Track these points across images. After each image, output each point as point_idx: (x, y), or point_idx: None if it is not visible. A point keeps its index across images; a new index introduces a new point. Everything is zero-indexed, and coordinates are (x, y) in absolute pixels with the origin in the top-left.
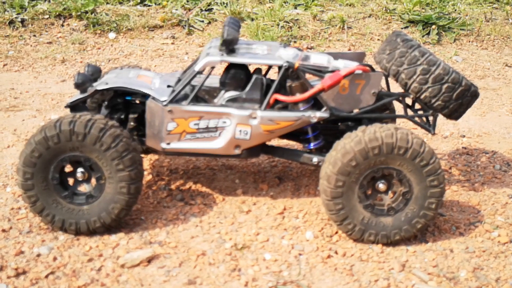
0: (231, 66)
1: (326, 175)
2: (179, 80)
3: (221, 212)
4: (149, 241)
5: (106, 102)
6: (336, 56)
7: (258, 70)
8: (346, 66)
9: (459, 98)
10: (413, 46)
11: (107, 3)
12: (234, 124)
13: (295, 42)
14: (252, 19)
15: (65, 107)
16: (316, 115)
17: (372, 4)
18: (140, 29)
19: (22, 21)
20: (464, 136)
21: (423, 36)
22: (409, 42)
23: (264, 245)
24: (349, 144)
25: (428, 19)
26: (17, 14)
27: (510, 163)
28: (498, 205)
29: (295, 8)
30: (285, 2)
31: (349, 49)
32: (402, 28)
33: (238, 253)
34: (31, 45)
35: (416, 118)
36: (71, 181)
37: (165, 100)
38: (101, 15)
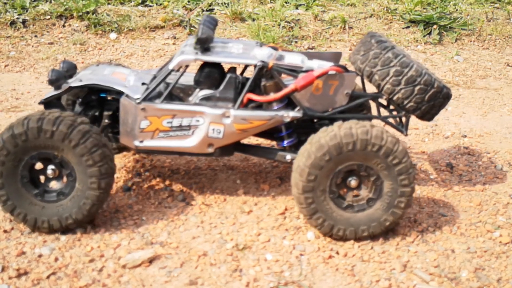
0: (205, 65)
1: (299, 168)
2: (154, 77)
3: (222, 212)
4: (151, 241)
5: (80, 99)
6: (313, 56)
7: (232, 69)
8: (320, 66)
9: (431, 100)
10: (387, 47)
11: (108, 3)
12: (207, 123)
13: (296, 42)
14: (253, 19)
15: (39, 103)
16: (289, 115)
17: (373, 4)
18: (141, 30)
19: (24, 21)
20: (465, 136)
21: (424, 36)
22: (383, 43)
23: (266, 246)
24: (324, 138)
25: (429, 19)
26: (19, 14)
27: (511, 163)
28: (500, 205)
29: (296, 8)
30: (286, 2)
31: (350, 49)
32: (403, 28)
33: (240, 253)
34: (32, 46)
35: (391, 119)
36: (42, 178)
37: (138, 98)
38: (102, 16)
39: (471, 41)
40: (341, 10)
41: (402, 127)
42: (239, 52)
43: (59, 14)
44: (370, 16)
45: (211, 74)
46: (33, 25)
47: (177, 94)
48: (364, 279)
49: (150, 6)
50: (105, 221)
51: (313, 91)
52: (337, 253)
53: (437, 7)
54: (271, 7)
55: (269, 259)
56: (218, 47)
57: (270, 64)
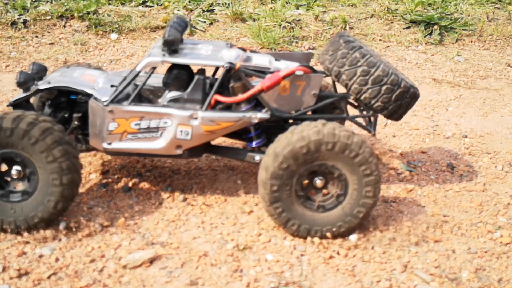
0: (173, 67)
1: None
2: (124, 79)
3: (223, 213)
4: (151, 242)
5: (49, 101)
6: (284, 56)
7: (201, 71)
8: (287, 67)
9: (398, 100)
10: (354, 47)
11: (109, 4)
12: (175, 125)
13: (297, 42)
14: (254, 20)
15: (8, 105)
16: (257, 116)
17: (374, 4)
18: (142, 30)
19: (24, 22)
20: (466, 137)
21: (425, 37)
22: (351, 43)
23: (266, 246)
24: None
25: (430, 19)
26: (19, 15)
27: None
28: (500, 206)
29: (297, 8)
30: (287, 3)
31: None
32: (404, 29)
33: (240, 253)
34: (33, 46)
35: (362, 119)
36: (6, 179)
37: (106, 100)
38: (103, 16)
39: (472, 42)
40: (342, 11)
41: (371, 127)
42: (207, 53)
43: (60, 14)
44: (371, 17)
45: (179, 76)
46: (34, 26)
47: (147, 96)
48: (365, 279)
49: (151, 6)
50: (105, 221)
51: (281, 92)
52: (338, 253)
53: (438, 8)
54: (271, 8)
55: (269, 260)
56: (187, 48)
57: (237, 66)
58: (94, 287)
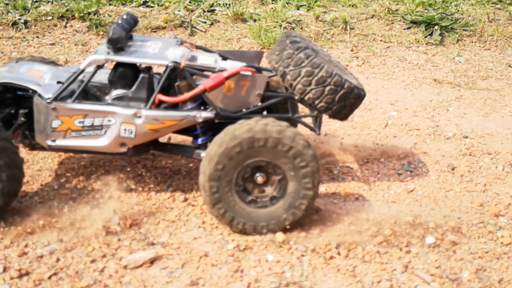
0: (119, 65)
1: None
2: (72, 76)
3: None
4: (152, 242)
5: None
6: (235, 54)
7: (147, 69)
8: (233, 66)
9: (342, 100)
10: (299, 48)
11: (110, 4)
12: (119, 123)
13: None
14: (255, 20)
15: None
16: (202, 115)
17: (374, 4)
18: (143, 30)
19: (25, 22)
20: (467, 137)
21: (425, 37)
22: (297, 44)
23: (267, 246)
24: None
25: (430, 20)
26: (20, 15)
27: None
28: (501, 206)
29: (298, 9)
30: (287, 3)
31: (352, 50)
32: (404, 29)
33: (241, 254)
34: (34, 47)
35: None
36: None
37: (49, 98)
38: (104, 16)
39: (472, 42)
40: (343, 11)
41: (316, 127)
42: (154, 52)
43: (60, 15)
44: (372, 17)
45: (124, 74)
46: (35, 26)
47: (94, 93)
48: (365, 280)
49: (152, 7)
50: (106, 221)
51: (225, 91)
52: (339, 253)
53: (438, 8)
54: (272, 8)
55: (270, 260)
56: (135, 46)
57: (181, 65)
58: (94, 287)
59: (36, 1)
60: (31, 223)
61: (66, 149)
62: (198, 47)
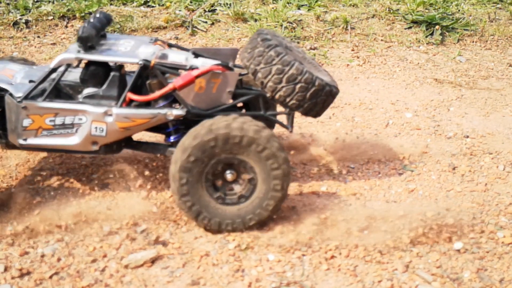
0: (90, 63)
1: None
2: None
3: None
4: (153, 241)
5: None
6: (209, 52)
7: (118, 67)
8: (204, 64)
9: (313, 98)
10: (270, 46)
11: (111, 4)
12: (90, 121)
13: (298, 42)
14: (256, 20)
15: None
16: (173, 113)
17: (375, 4)
18: (144, 30)
19: (26, 22)
20: (467, 137)
21: (426, 37)
22: (268, 41)
23: (268, 246)
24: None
25: (431, 20)
26: (21, 15)
27: None
28: (502, 206)
29: (299, 8)
30: (288, 3)
31: (353, 50)
32: (405, 29)
33: (242, 253)
34: (35, 46)
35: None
36: None
37: (19, 97)
38: None
39: (473, 42)
40: (343, 11)
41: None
42: (125, 50)
43: (61, 14)
44: (372, 17)
45: (95, 72)
46: (36, 26)
47: (67, 92)
48: (366, 279)
49: (153, 6)
50: (107, 220)
51: (197, 89)
52: (340, 253)
53: (439, 8)
54: (273, 8)
55: (271, 259)
56: (107, 44)
57: (152, 63)
58: (95, 287)
59: (37, 1)
60: (32, 223)
61: (38, 148)
62: (171, 45)
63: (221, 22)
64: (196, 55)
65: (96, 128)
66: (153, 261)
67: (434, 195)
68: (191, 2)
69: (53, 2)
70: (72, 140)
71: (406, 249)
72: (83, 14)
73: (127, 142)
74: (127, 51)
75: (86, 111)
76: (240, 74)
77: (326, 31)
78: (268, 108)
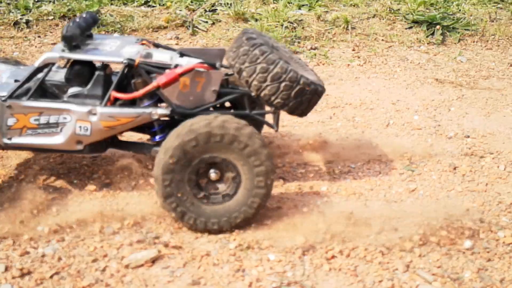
0: (75, 63)
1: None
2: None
3: None
4: (153, 241)
5: None
6: (196, 52)
7: (103, 67)
8: (189, 63)
9: (298, 96)
10: (255, 44)
11: (111, 4)
12: (74, 120)
13: (299, 42)
14: (256, 20)
15: None
16: (157, 112)
17: (376, 4)
18: (144, 30)
19: (27, 22)
20: (468, 137)
21: (427, 37)
22: (252, 40)
23: (268, 246)
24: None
25: (432, 19)
26: (22, 15)
27: None
28: (503, 206)
29: (299, 8)
30: (289, 3)
31: (353, 50)
32: (406, 29)
33: (242, 253)
34: (36, 46)
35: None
36: None
37: (4, 96)
38: (105, 16)
39: (474, 42)
40: (344, 11)
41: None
42: (111, 49)
43: (62, 14)
44: (373, 17)
45: (80, 71)
46: (37, 26)
47: (53, 92)
48: (367, 279)
49: (153, 6)
50: (108, 220)
51: (181, 88)
52: (340, 253)
53: (440, 8)
54: (274, 8)
55: (272, 259)
56: (93, 44)
57: (136, 62)
58: (96, 286)
59: (37, 1)
60: (33, 222)
61: (22, 147)
62: (157, 45)
63: (221, 22)
64: (182, 54)
65: (80, 127)
66: (153, 260)
67: (434, 195)
68: (191, 2)
69: (53, 2)
70: (56, 139)
71: (407, 249)
72: None
73: (112, 141)
74: (112, 50)
75: (70, 110)
76: (227, 74)
77: (326, 31)
78: (256, 108)
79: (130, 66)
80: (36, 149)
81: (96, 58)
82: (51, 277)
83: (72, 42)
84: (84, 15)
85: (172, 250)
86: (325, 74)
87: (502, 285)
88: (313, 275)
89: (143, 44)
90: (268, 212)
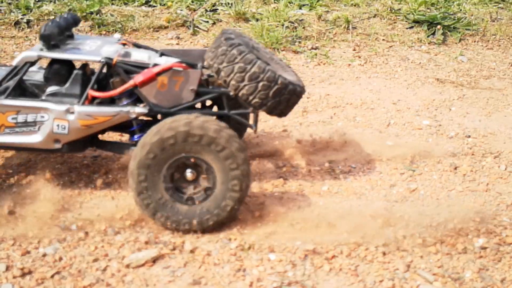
0: (53, 61)
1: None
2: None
3: None
4: (154, 241)
5: None
6: (177, 53)
7: (82, 66)
8: (167, 62)
9: (276, 96)
10: (233, 44)
11: (112, 4)
12: (52, 119)
13: (299, 42)
14: (257, 20)
15: None
16: (135, 111)
17: (377, 4)
18: (145, 30)
19: (28, 22)
20: (469, 137)
21: (428, 36)
22: (230, 40)
23: (269, 245)
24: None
25: (433, 19)
26: (23, 15)
27: None
28: (504, 206)
29: (300, 8)
30: (290, 3)
31: (354, 49)
32: (407, 28)
33: (243, 253)
34: None
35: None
36: None
37: None
38: (106, 16)
39: (475, 41)
40: (345, 10)
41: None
42: (90, 49)
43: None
44: (374, 16)
45: (58, 70)
46: (37, 26)
47: (32, 91)
48: (368, 279)
49: (154, 6)
50: (109, 220)
51: (159, 87)
52: (341, 253)
53: (441, 7)
54: (274, 7)
55: (272, 259)
56: (73, 44)
57: (114, 61)
58: (97, 286)
59: (38, 1)
60: (33, 222)
61: (1, 146)
62: (137, 45)
63: (222, 21)
64: (162, 54)
65: (58, 125)
66: (154, 260)
67: (435, 195)
68: (192, 1)
69: (54, 2)
70: (34, 138)
71: (408, 249)
72: (84, 14)
73: (92, 141)
74: (91, 50)
75: (48, 109)
76: (209, 75)
77: (327, 31)
78: (237, 108)
79: (108, 65)
80: (15, 148)
81: (74, 57)
82: (52, 276)
83: (50, 41)
84: (65, 15)
85: (172, 250)
86: (326, 74)
87: (503, 285)
88: (314, 275)
89: (123, 44)
90: (268, 212)
